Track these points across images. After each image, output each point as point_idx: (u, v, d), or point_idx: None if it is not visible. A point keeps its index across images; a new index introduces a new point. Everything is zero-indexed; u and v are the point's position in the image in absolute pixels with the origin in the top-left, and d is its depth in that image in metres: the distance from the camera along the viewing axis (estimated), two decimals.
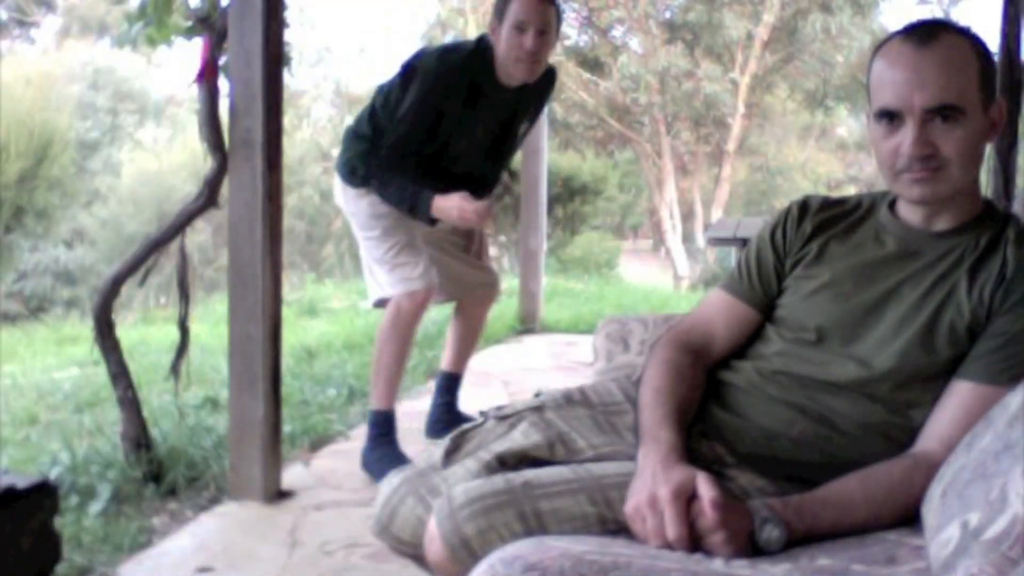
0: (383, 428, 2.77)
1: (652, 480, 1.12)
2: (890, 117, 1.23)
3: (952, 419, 1.19)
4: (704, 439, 1.30)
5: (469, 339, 3.13)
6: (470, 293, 3.04)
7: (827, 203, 1.42)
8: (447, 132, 2.64)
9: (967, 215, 1.30)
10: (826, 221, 1.40)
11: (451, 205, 2.56)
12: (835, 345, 1.30)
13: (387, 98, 2.71)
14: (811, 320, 1.33)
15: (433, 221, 2.66)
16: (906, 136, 1.21)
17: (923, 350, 1.24)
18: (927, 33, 1.22)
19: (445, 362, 3.17)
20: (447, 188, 2.60)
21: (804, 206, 1.42)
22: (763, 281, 1.42)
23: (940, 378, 1.23)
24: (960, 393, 1.21)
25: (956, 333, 1.23)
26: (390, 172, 2.63)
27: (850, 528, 1.13)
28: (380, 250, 2.73)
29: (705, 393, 1.36)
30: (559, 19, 2.68)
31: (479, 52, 2.63)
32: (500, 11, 2.58)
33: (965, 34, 1.24)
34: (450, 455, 1.35)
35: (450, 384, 3.14)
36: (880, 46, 1.28)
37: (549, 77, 2.81)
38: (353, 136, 2.79)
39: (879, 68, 1.26)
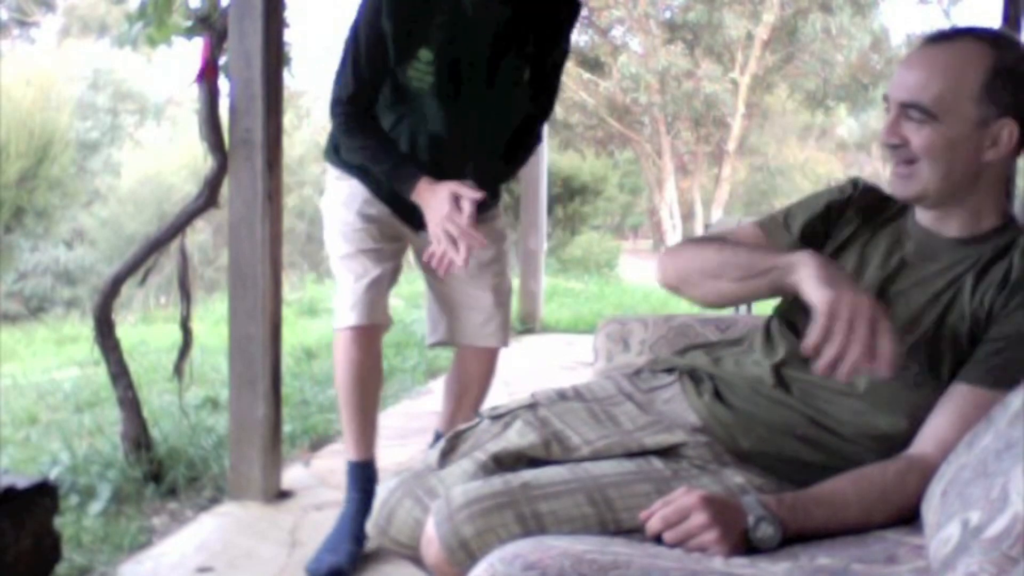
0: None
1: None
2: (888, 106, 1.28)
3: (949, 422, 1.19)
4: (704, 436, 1.30)
5: (463, 398, 2.34)
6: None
7: (876, 195, 1.40)
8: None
9: (982, 225, 1.28)
10: (865, 211, 1.39)
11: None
12: None
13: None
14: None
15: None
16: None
17: (925, 353, 1.23)
18: (944, 35, 1.26)
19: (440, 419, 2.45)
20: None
21: (858, 186, 1.42)
22: (804, 238, 1.39)
23: (939, 381, 1.23)
24: (958, 396, 1.20)
25: (957, 337, 1.23)
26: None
27: (841, 527, 1.14)
28: None
29: (705, 391, 1.36)
30: None
31: None
32: None
33: (994, 46, 1.22)
34: (446, 456, 1.35)
35: None
36: None
37: None
38: None
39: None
